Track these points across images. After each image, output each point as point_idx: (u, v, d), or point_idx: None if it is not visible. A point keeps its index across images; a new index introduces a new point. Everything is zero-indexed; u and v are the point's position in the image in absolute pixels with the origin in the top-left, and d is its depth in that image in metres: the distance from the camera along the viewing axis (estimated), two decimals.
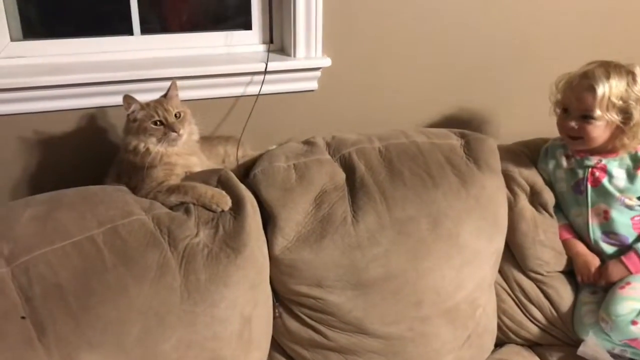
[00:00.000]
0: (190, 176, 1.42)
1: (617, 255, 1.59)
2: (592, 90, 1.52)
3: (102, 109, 1.58)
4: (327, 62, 1.71)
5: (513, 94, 2.02)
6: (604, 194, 1.60)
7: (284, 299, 1.44)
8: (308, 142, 1.59)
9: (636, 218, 1.58)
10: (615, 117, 1.54)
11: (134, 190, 1.38)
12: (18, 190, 1.57)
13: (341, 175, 1.50)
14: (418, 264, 1.45)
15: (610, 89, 1.52)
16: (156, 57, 1.65)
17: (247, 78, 1.67)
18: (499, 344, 1.68)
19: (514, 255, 1.65)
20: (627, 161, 1.60)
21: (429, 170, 1.53)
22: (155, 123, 1.37)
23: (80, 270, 1.16)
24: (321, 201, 1.44)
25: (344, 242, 1.40)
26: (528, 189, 1.66)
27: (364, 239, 1.42)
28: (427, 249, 1.46)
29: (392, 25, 1.78)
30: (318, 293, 1.41)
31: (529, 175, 1.67)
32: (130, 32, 1.63)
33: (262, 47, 1.75)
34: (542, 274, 1.63)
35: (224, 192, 1.36)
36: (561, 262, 1.64)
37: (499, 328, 1.67)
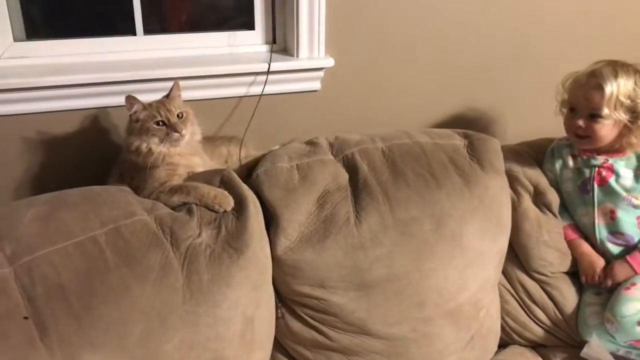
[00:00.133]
0: (193, 176, 1.42)
1: (622, 256, 1.58)
2: (600, 88, 1.52)
3: (105, 109, 1.58)
4: (330, 62, 1.71)
5: (517, 94, 2.01)
6: (610, 193, 1.59)
7: (286, 300, 1.44)
8: (311, 143, 1.59)
9: None
10: (622, 116, 1.54)
11: (137, 190, 1.38)
12: (21, 190, 1.57)
13: (344, 176, 1.50)
14: (421, 265, 1.45)
15: (618, 87, 1.52)
16: (159, 58, 1.65)
17: (250, 78, 1.67)
18: (502, 345, 1.68)
19: (517, 256, 1.64)
20: (634, 161, 1.60)
21: (432, 170, 1.52)
22: (157, 123, 1.37)
23: (83, 271, 1.16)
24: (324, 202, 1.44)
25: (346, 243, 1.40)
26: (532, 189, 1.65)
27: (367, 239, 1.41)
28: (430, 250, 1.45)
29: (396, 25, 1.77)
30: (321, 294, 1.40)
31: (532, 176, 1.66)
32: (133, 32, 1.63)
33: (265, 47, 1.75)
34: (546, 275, 1.62)
35: (226, 193, 1.36)
36: (565, 263, 1.63)
37: (503, 329, 1.66)
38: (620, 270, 1.56)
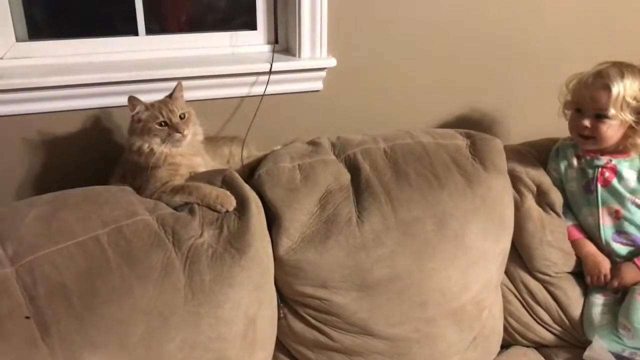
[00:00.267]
0: (195, 176, 1.42)
1: (630, 256, 1.58)
2: (607, 89, 1.52)
3: (107, 109, 1.58)
4: (332, 62, 1.71)
5: (520, 94, 2.01)
6: (614, 194, 1.59)
7: (288, 300, 1.44)
8: (313, 143, 1.59)
9: None
10: (628, 117, 1.54)
11: (139, 190, 1.38)
12: (23, 190, 1.57)
13: (346, 176, 1.50)
14: (423, 265, 1.44)
15: (625, 88, 1.52)
16: (161, 58, 1.65)
17: (252, 78, 1.67)
18: (505, 345, 1.67)
19: (520, 256, 1.64)
20: (638, 162, 1.60)
21: (434, 170, 1.52)
22: (159, 124, 1.37)
23: (85, 271, 1.16)
24: (326, 202, 1.44)
25: (348, 243, 1.40)
26: (535, 189, 1.65)
27: (369, 239, 1.41)
28: (432, 250, 1.45)
29: (398, 25, 1.77)
30: (323, 294, 1.40)
31: (535, 176, 1.66)
32: (135, 32, 1.63)
33: (267, 48, 1.75)
34: (549, 275, 1.62)
35: (228, 193, 1.36)
36: (569, 263, 1.63)
37: (505, 330, 1.66)
38: (628, 273, 1.56)
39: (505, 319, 1.65)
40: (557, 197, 1.64)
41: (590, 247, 1.62)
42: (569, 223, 1.66)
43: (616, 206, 1.59)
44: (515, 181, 1.64)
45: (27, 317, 1.09)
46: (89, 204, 1.27)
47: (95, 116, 1.58)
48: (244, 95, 1.69)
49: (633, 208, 1.57)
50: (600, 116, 1.55)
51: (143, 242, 1.22)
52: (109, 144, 1.60)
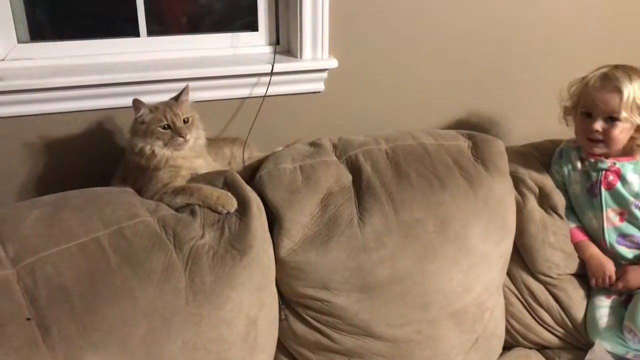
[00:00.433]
0: (196, 177, 1.42)
1: (635, 259, 1.58)
2: (619, 92, 1.52)
3: (108, 110, 1.58)
4: (333, 63, 1.71)
5: (521, 95, 2.01)
6: (618, 197, 1.58)
7: (290, 302, 1.43)
8: (314, 144, 1.59)
9: None
10: (638, 119, 1.53)
11: (140, 192, 1.38)
12: (24, 191, 1.57)
13: (347, 177, 1.50)
14: (425, 267, 1.44)
15: (634, 90, 1.52)
16: (163, 59, 1.65)
17: (254, 79, 1.67)
18: (507, 347, 1.67)
19: (522, 257, 1.63)
20: None
21: (436, 172, 1.52)
22: (163, 127, 1.37)
23: (86, 272, 1.16)
24: (327, 203, 1.43)
25: (350, 245, 1.40)
26: (537, 190, 1.65)
27: (371, 241, 1.41)
28: (434, 252, 1.45)
29: (399, 26, 1.77)
30: (324, 295, 1.40)
31: (538, 177, 1.66)
32: (136, 34, 1.63)
33: (268, 49, 1.75)
34: (551, 277, 1.61)
35: (229, 194, 1.35)
36: (572, 265, 1.62)
37: (507, 331, 1.65)
38: (634, 276, 1.56)
39: (507, 320, 1.65)
40: (559, 199, 1.64)
41: (593, 249, 1.62)
42: (572, 225, 1.65)
43: (620, 209, 1.59)
44: (518, 183, 1.64)
45: (28, 319, 1.09)
46: (90, 205, 1.27)
47: (96, 117, 1.58)
48: (246, 96, 1.69)
49: (637, 212, 1.57)
50: (612, 119, 1.54)
51: (144, 243, 1.22)
52: (110, 146, 1.60)
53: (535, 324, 1.64)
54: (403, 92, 1.86)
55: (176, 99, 1.44)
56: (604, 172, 1.60)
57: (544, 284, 1.62)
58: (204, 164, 1.46)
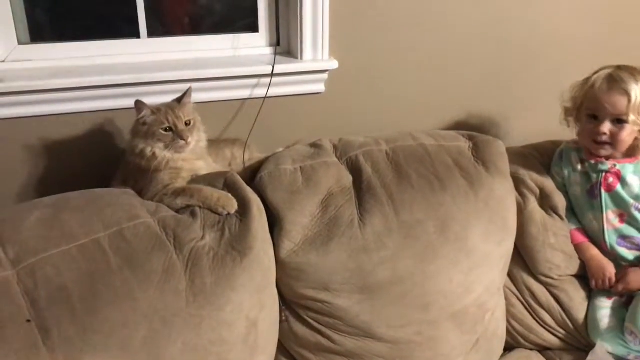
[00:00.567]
0: (197, 179, 1.42)
1: (636, 261, 1.58)
2: (626, 94, 1.51)
3: (109, 112, 1.58)
4: (334, 64, 1.71)
5: (522, 96, 2.01)
6: (618, 199, 1.58)
7: (290, 303, 1.43)
8: (315, 145, 1.59)
9: None
10: None
11: (140, 193, 1.38)
12: (25, 192, 1.57)
13: (348, 178, 1.50)
14: (426, 268, 1.44)
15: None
16: (163, 60, 1.65)
17: (254, 81, 1.67)
18: (508, 348, 1.67)
19: (523, 258, 1.63)
20: None
21: (436, 173, 1.51)
22: (164, 129, 1.37)
23: (86, 274, 1.15)
24: (328, 204, 1.43)
25: (350, 246, 1.39)
26: (538, 192, 1.64)
27: (371, 242, 1.41)
28: (435, 253, 1.44)
29: (400, 27, 1.77)
30: (325, 297, 1.40)
31: (538, 178, 1.65)
32: (137, 35, 1.63)
33: (269, 50, 1.75)
34: (552, 278, 1.61)
35: (230, 195, 1.35)
36: (572, 266, 1.62)
37: (508, 332, 1.65)
38: (635, 278, 1.55)
39: (508, 321, 1.64)
40: (560, 200, 1.64)
41: (594, 251, 1.62)
42: (573, 227, 1.65)
43: (620, 211, 1.58)
44: (518, 184, 1.63)
45: (28, 321, 1.09)
46: (91, 206, 1.26)
47: (96, 119, 1.58)
48: (246, 97, 1.69)
49: (637, 214, 1.57)
50: (619, 121, 1.54)
51: (144, 244, 1.22)
52: (110, 147, 1.60)
53: (536, 325, 1.64)
54: (403, 93, 1.86)
55: (179, 100, 1.43)
56: (604, 173, 1.59)
57: (545, 285, 1.62)
58: (205, 166, 1.46)
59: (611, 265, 1.59)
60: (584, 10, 1.95)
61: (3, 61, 1.53)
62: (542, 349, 1.68)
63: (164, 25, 1.71)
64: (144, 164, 1.38)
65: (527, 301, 1.63)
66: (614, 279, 1.57)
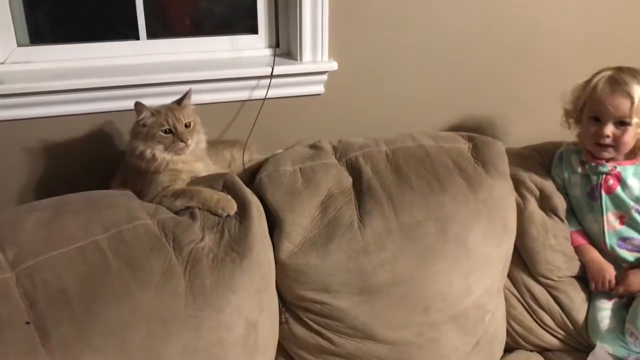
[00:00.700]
0: (196, 180, 1.42)
1: (637, 262, 1.57)
2: (629, 97, 1.51)
3: (108, 113, 1.57)
4: (333, 65, 1.71)
5: (521, 97, 2.01)
6: (618, 201, 1.58)
7: (290, 304, 1.43)
8: (314, 146, 1.59)
9: None
10: None
11: (140, 195, 1.38)
12: (24, 195, 1.57)
13: (348, 180, 1.49)
14: (426, 269, 1.44)
15: None
16: (162, 62, 1.65)
17: (254, 82, 1.67)
18: (508, 349, 1.67)
19: (523, 260, 1.63)
20: None
21: (436, 174, 1.51)
22: (164, 131, 1.37)
23: (85, 275, 1.15)
24: (327, 205, 1.43)
25: (350, 247, 1.39)
26: (538, 193, 1.64)
27: (371, 243, 1.41)
28: (434, 254, 1.44)
29: (399, 29, 1.77)
30: (324, 298, 1.40)
31: (538, 179, 1.65)
32: (136, 36, 1.63)
33: (268, 51, 1.75)
34: (552, 279, 1.61)
35: (229, 197, 1.35)
36: (573, 267, 1.62)
37: (508, 334, 1.65)
38: (635, 279, 1.55)
39: (508, 323, 1.64)
40: (560, 201, 1.63)
41: (593, 253, 1.61)
42: (572, 228, 1.65)
43: (620, 213, 1.58)
44: (518, 185, 1.63)
45: (27, 323, 1.09)
46: (90, 208, 1.26)
47: (96, 121, 1.58)
48: (246, 99, 1.69)
49: (637, 216, 1.56)
50: (622, 123, 1.53)
51: (144, 246, 1.22)
52: (110, 148, 1.60)
53: (536, 326, 1.64)
54: (403, 94, 1.86)
55: (179, 102, 1.43)
56: (604, 175, 1.59)
57: (545, 286, 1.62)
58: (204, 168, 1.46)
59: (611, 267, 1.59)
60: (583, 11, 1.95)
61: (2, 63, 1.53)
62: (542, 350, 1.67)
63: (163, 27, 1.71)
64: (144, 165, 1.38)
65: (527, 302, 1.63)
66: (613, 281, 1.57)
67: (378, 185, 1.47)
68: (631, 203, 1.56)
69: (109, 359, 1.11)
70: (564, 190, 1.68)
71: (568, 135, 1.69)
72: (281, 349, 1.46)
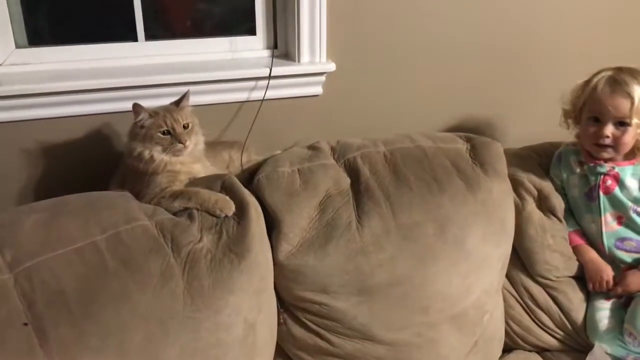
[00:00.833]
0: (194, 181, 1.42)
1: (634, 263, 1.57)
2: (629, 97, 1.50)
3: (106, 115, 1.58)
4: (331, 67, 1.71)
5: (520, 98, 2.01)
6: (616, 202, 1.58)
7: (288, 305, 1.43)
8: (313, 147, 1.59)
9: None
10: None
11: (138, 196, 1.38)
12: (22, 196, 1.57)
13: (346, 180, 1.50)
14: (424, 270, 1.44)
15: None
16: (161, 63, 1.65)
17: (252, 83, 1.67)
18: (506, 349, 1.67)
19: (521, 260, 1.63)
20: None
21: (434, 174, 1.51)
22: (162, 132, 1.37)
23: (83, 277, 1.15)
24: (326, 206, 1.43)
25: (348, 248, 1.39)
26: (536, 193, 1.64)
27: (369, 244, 1.41)
28: (433, 255, 1.44)
29: (397, 30, 1.77)
30: (323, 299, 1.40)
31: (536, 180, 1.65)
32: (134, 38, 1.63)
33: (266, 53, 1.75)
34: (551, 279, 1.61)
35: (227, 197, 1.35)
36: (571, 267, 1.62)
37: (507, 334, 1.65)
38: (634, 280, 1.55)
39: (506, 323, 1.64)
40: (558, 202, 1.64)
41: (591, 254, 1.61)
42: (570, 229, 1.65)
43: (618, 214, 1.58)
44: (516, 185, 1.63)
45: (26, 324, 1.08)
46: (88, 209, 1.26)
47: (94, 122, 1.58)
48: (244, 100, 1.69)
49: (636, 217, 1.56)
50: (622, 124, 1.53)
51: (142, 247, 1.22)
52: (108, 150, 1.60)
53: (534, 326, 1.64)
54: (401, 95, 1.86)
55: (177, 104, 1.43)
56: (602, 176, 1.59)
57: (544, 286, 1.62)
58: (202, 169, 1.46)
59: (609, 267, 1.59)
60: (583, 12, 1.95)
61: (0, 65, 1.53)
62: (541, 350, 1.67)
63: (161, 28, 1.71)
64: (142, 166, 1.38)
65: (525, 302, 1.63)
66: (611, 281, 1.57)
67: (376, 186, 1.47)
68: (629, 204, 1.57)
69: None
70: (562, 190, 1.68)
71: (567, 135, 1.69)
72: (280, 350, 1.46)
